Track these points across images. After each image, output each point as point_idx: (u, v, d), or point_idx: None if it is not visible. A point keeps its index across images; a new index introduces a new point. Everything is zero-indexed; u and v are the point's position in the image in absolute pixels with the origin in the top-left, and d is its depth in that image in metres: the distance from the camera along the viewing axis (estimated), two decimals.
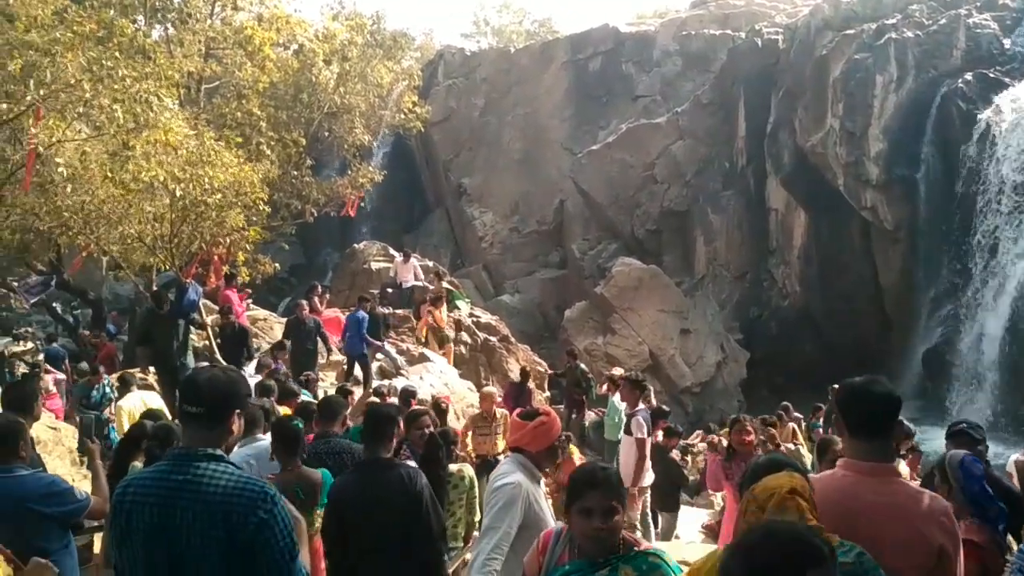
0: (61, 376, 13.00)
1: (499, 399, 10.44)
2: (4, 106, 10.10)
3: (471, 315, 18.02)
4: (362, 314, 12.74)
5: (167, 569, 2.58)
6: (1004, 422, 18.17)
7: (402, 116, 23.94)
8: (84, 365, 15.27)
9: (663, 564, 2.69)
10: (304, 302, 13.16)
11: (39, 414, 4.81)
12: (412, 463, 4.59)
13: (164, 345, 10.12)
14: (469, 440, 9.43)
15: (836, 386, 3.33)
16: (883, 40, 21.97)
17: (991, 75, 20.88)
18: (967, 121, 20.37)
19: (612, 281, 23.20)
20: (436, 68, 32.89)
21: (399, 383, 11.21)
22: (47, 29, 10.37)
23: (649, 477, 8.63)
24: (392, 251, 21.02)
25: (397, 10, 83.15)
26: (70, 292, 18.23)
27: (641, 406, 8.67)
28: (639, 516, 8.67)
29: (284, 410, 6.86)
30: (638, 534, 6.70)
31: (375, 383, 11.91)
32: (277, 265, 18.13)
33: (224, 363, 10.24)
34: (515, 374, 14.92)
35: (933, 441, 13.74)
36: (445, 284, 17.59)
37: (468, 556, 4.62)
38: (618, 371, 13.24)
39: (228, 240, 13.42)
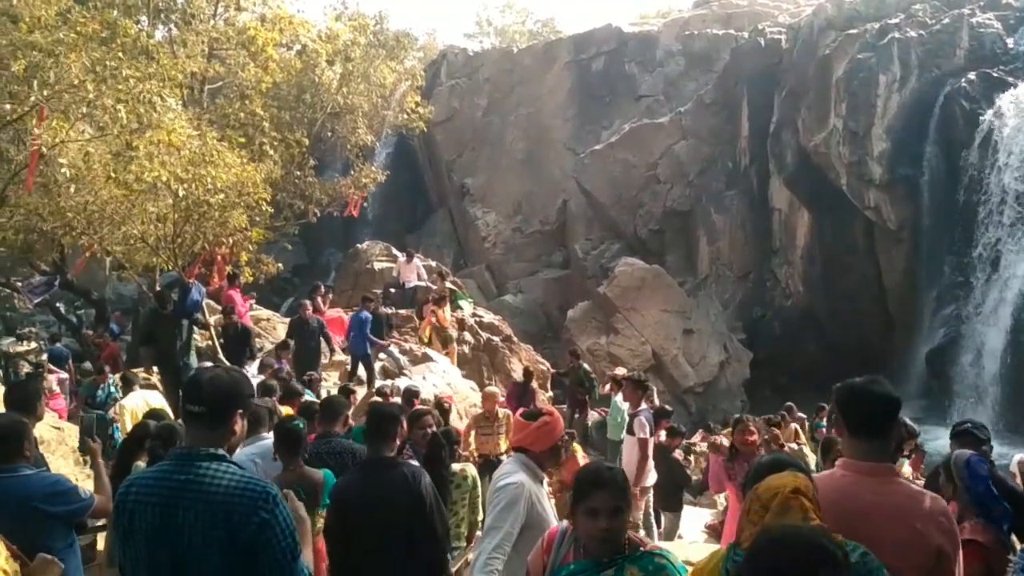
0: (64, 376, 13.02)
1: (501, 399, 10.44)
2: (8, 107, 10.14)
3: (474, 315, 18.02)
4: (365, 314, 12.74)
5: (169, 569, 2.58)
6: (1006, 422, 18.12)
7: (405, 116, 23.94)
8: (88, 365, 15.29)
9: (669, 565, 2.67)
10: (307, 302, 13.17)
11: (42, 414, 4.81)
12: (415, 463, 4.58)
13: (167, 345, 10.13)
14: (472, 440, 9.44)
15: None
16: (886, 40, 21.93)
17: (994, 75, 20.83)
18: (970, 121, 20.32)
19: (615, 281, 23.19)
20: (439, 68, 32.90)
21: (402, 383, 11.22)
22: (51, 30, 10.39)
23: (652, 477, 8.63)
24: (395, 251, 21.03)
25: (400, 10, 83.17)
26: (74, 292, 18.26)
27: (644, 406, 8.67)
28: (642, 516, 8.66)
29: (286, 410, 6.86)
30: (641, 533, 6.69)
31: (378, 383, 11.91)
32: (280, 265, 18.12)
33: (227, 363, 10.27)
34: (518, 374, 14.92)
35: (936, 441, 13.72)
36: (448, 284, 17.59)
37: (471, 556, 4.62)
38: (621, 371, 13.23)
39: (231, 240, 13.43)
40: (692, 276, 26.24)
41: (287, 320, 15.48)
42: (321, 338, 12.38)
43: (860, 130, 21.78)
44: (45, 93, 9.70)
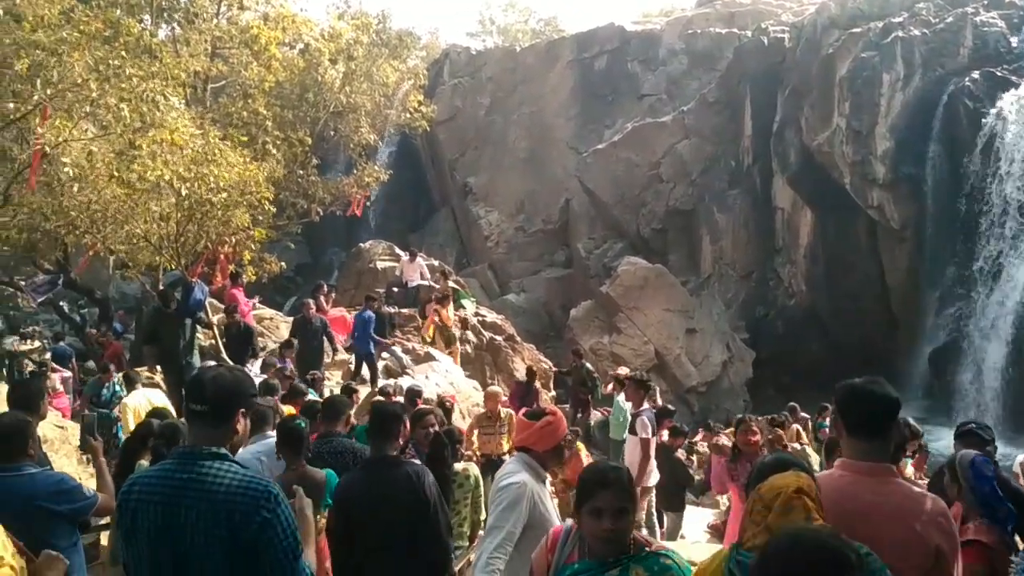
0: (68, 374, 13.04)
1: (504, 398, 10.44)
2: (11, 105, 10.16)
3: (477, 314, 18.01)
4: (369, 314, 12.75)
5: (172, 567, 2.59)
6: (1010, 422, 18.09)
7: (408, 115, 23.96)
8: (91, 364, 15.32)
9: (675, 565, 2.65)
10: (311, 301, 13.17)
11: (45, 413, 4.81)
12: (417, 462, 4.58)
13: (170, 344, 10.13)
14: (475, 439, 9.44)
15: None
16: (890, 38, 21.89)
17: (998, 73, 20.77)
18: (974, 120, 20.26)
19: (618, 280, 23.17)
20: (442, 67, 32.92)
21: (405, 382, 11.21)
22: (54, 29, 10.40)
23: (654, 477, 8.62)
24: (398, 250, 21.04)
25: (403, 9, 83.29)
26: (77, 291, 18.28)
27: (646, 406, 8.65)
28: (644, 516, 8.65)
29: (288, 409, 6.86)
30: (644, 532, 6.69)
31: (381, 382, 11.92)
32: (283, 264, 18.16)
33: (230, 362, 10.28)
34: (520, 373, 14.92)
35: (939, 441, 13.70)
36: (451, 283, 17.58)
37: (473, 556, 4.62)
38: (624, 370, 13.22)
39: (234, 239, 13.44)
40: (695, 275, 26.23)
41: (290, 319, 15.49)
42: (324, 337, 12.39)
43: (863, 129, 21.74)
44: (48, 92, 9.71)
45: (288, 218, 18.71)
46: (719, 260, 26.06)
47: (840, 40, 23.10)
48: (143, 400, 8.09)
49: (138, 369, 11.07)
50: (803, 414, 12.91)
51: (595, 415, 14.71)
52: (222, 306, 13.22)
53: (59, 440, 8.54)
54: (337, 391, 9.63)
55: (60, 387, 11.88)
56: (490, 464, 8.71)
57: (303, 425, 4.86)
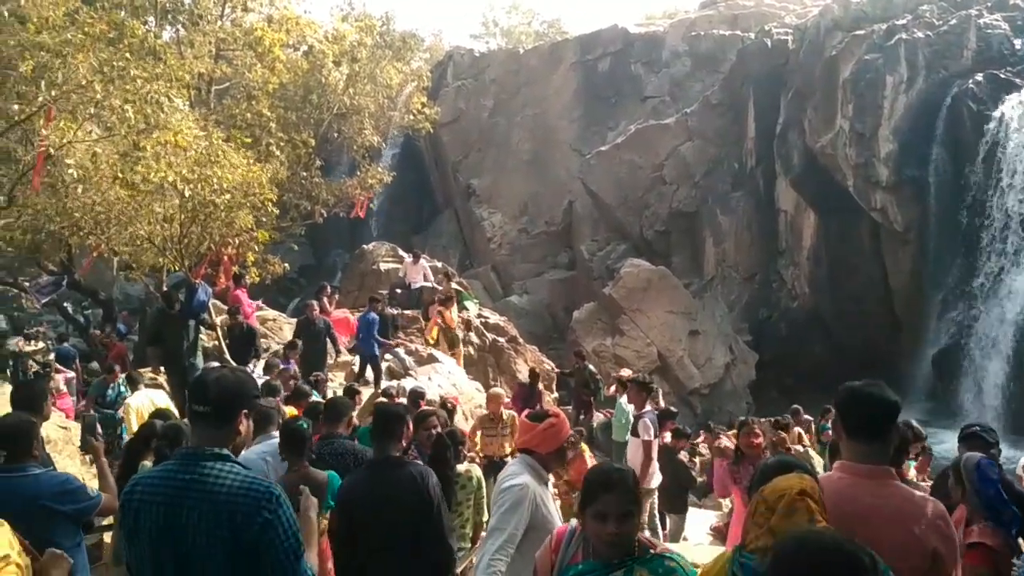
0: (71, 375, 13.08)
1: (506, 400, 10.44)
2: (16, 107, 10.17)
3: (480, 316, 18.01)
4: (373, 315, 12.76)
5: (174, 567, 2.59)
6: (1013, 425, 18.05)
7: (411, 117, 23.98)
8: (95, 365, 15.36)
9: (680, 569, 2.64)
10: (314, 303, 13.19)
11: (48, 414, 4.82)
12: (420, 463, 4.58)
13: (174, 345, 10.15)
14: (478, 440, 9.44)
15: None
16: (893, 40, 21.87)
17: (1002, 76, 20.75)
18: (977, 122, 20.23)
19: (621, 282, 23.15)
20: (445, 69, 32.93)
21: (408, 384, 11.21)
22: (58, 30, 10.42)
23: (657, 479, 8.61)
24: (401, 252, 21.04)
25: (406, 11, 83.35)
26: (81, 292, 18.31)
27: (648, 407, 8.64)
28: (646, 518, 8.64)
29: (290, 410, 6.87)
30: (646, 534, 6.68)
31: (383, 384, 11.92)
32: (287, 265, 18.17)
33: (234, 363, 10.29)
34: (523, 375, 14.92)
35: (942, 444, 13.67)
36: (454, 285, 17.58)
37: (475, 558, 4.62)
38: (626, 372, 13.22)
39: (237, 241, 13.46)
40: (698, 277, 26.20)
41: (293, 320, 15.50)
42: (327, 339, 12.40)
43: (867, 131, 21.72)
44: (53, 93, 9.73)
45: (292, 220, 18.74)
46: (722, 262, 26.03)
47: (843, 42, 23.08)
48: (146, 401, 8.12)
49: (142, 370, 11.11)
50: (806, 416, 12.88)
51: (598, 417, 14.71)
52: (225, 307, 13.24)
53: (62, 441, 8.57)
54: (340, 392, 9.64)
55: (64, 388, 11.92)
56: (492, 465, 8.71)
57: (305, 426, 4.87)
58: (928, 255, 21.65)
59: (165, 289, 12.06)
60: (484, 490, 5.94)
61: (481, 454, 9.30)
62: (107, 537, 5.84)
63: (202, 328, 11.16)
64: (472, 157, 31.15)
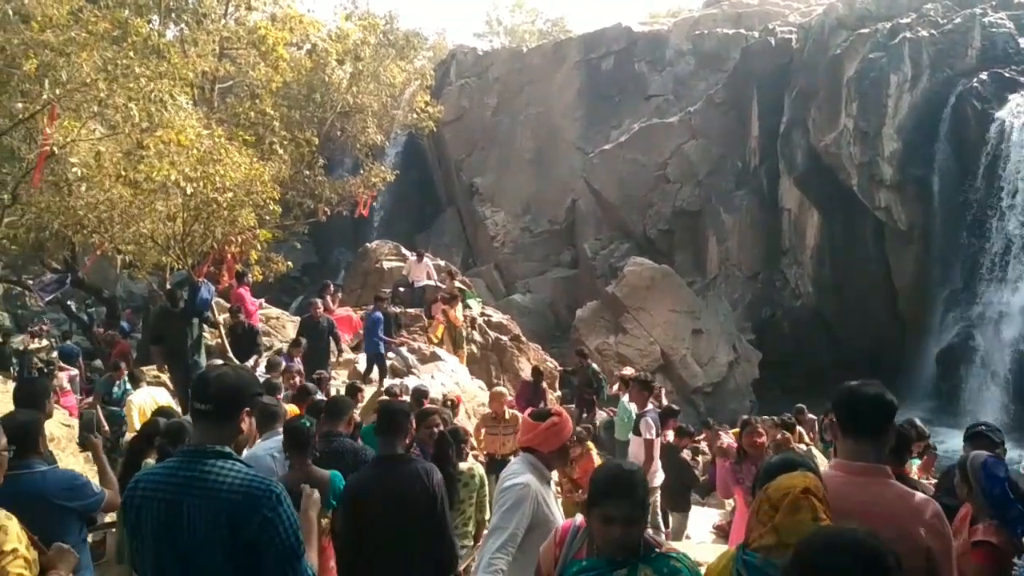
0: (75, 373, 13.10)
1: (509, 399, 10.42)
2: (20, 105, 10.18)
3: (483, 314, 18.00)
4: (378, 314, 12.77)
5: (175, 564, 2.60)
6: (1018, 424, 18.02)
7: (414, 116, 23.97)
8: (98, 363, 15.38)
9: (684, 569, 2.62)
10: (318, 301, 13.19)
11: (51, 412, 4.82)
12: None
13: (177, 343, 10.15)
14: (482, 437, 9.44)
15: None
16: (897, 39, 21.83)
17: (1006, 74, 20.72)
18: (982, 121, 20.20)
19: (624, 281, 23.14)
20: (448, 68, 32.95)
21: (411, 382, 11.21)
22: (62, 29, 10.43)
23: (659, 477, 8.59)
24: (404, 250, 21.05)
25: (410, 10, 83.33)
26: (85, 290, 18.35)
27: (650, 406, 8.63)
28: (649, 516, 8.63)
29: (291, 408, 6.86)
30: (649, 532, 6.67)
31: (387, 382, 11.92)
32: (290, 264, 18.18)
33: (237, 362, 10.30)
34: (526, 373, 14.89)
35: (946, 443, 13.65)
36: (457, 283, 17.57)
37: (477, 555, 4.61)
38: (629, 371, 13.18)
39: (240, 239, 13.46)
40: (701, 276, 26.18)
41: (296, 319, 15.51)
42: (330, 337, 12.41)
43: (871, 130, 21.69)
44: (57, 92, 9.73)
45: (295, 218, 18.73)
46: (725, 261, 26.00)
47: (848, 41, 23.05)
48: (148, 398, 8.13)
49: (145, 368, 11.12)
50: (810, 415, 12.84)
51: (601, 415, 14.67)
52: (228, 306, 13.25)
53: (66, 438, 8.59)
54: (342, 391, 9.63)
55: (67, 386, 11.95)
56: (495, 463, 8.71)
57: (309, 425, 4.86)
58: (932, 254, 21.64)
59: (169, 287, 12.07)
60: (487, 488, 5.93)
61: (484, 452, 9.31)
62: (109, 534, 5.85)
63: (205, 326, 11.16)
64: (475, 156, 31.16)
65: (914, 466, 8.44)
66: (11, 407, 4.37)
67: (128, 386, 10.30)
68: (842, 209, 23.05)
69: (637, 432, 8.45)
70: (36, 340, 14.99)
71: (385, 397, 8.99)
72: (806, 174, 24.08)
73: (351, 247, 29.39)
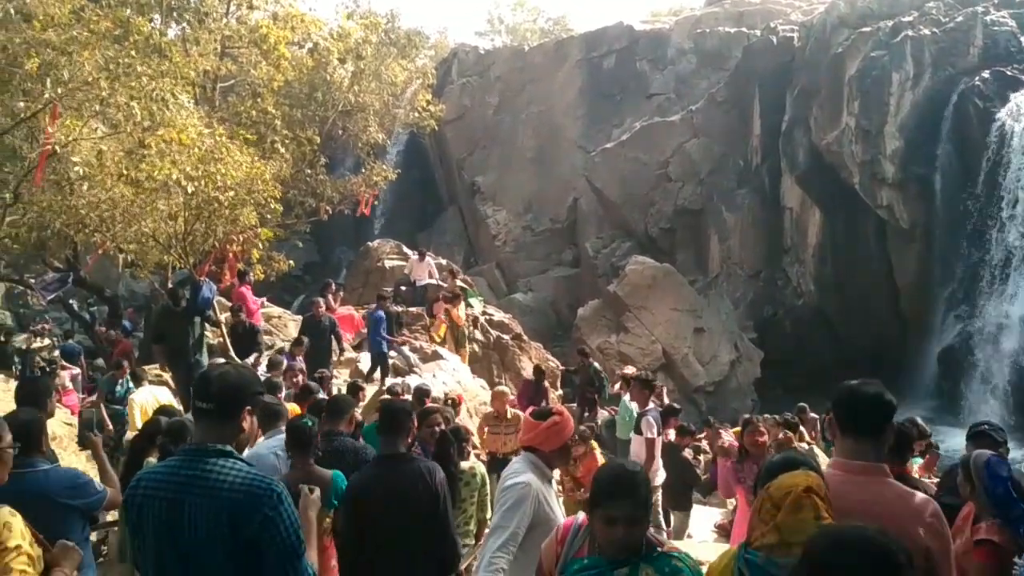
0: (76, 371, 13.12)
1: (511, 398, 10.42)
2: (22, 104, 10.19)
3: (484, 313, 18.00)
4: (380, 313, 12.77)
5: (176, 563, 2.60)
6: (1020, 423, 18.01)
7: (416, 114, 23.95)
8: (100, 361, 15.40)
9: (686, 569, 2.61)
10: (320, 300, 13.19)
11: (53, 411, 4.84)
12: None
13: (179, 342, 10.15)
14: (484, 437, 9.44)
15: None
16: (899, 38, 21.81)
17: (1008, 73, 20.70)
18: (984, 119, 20.19)
19: (625, 279, 23.14)
20: (450, 66, 32.93)
21: (412, 381, 11.21)
22: (64, 28, 10.43)
23: (661, 476, 8.59)
24: (406, 249, 21.04)
25: (411, 9, 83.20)
26: (87, 289, 18.38)
27: (651, 405, 8.62)
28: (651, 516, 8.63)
29: (293, 407, 6.86)
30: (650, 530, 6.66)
31: (389, 381, 11.92)
32: (291, 262, 18.16)
33: (238, 360, 10.30)
34: (528, 372, 14.89)
35: (948, 442, 13.63)
36: (458, 282, 17.57)
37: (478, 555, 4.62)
38: (631, 370, 13.16)
39: (242, 238, 13.47)
40: (703, 275, 26.17)
41: (298, 318, 15.51)
42: (332, 336, 12.41)
43: (873, 129, 21.67)
44: (58, 91, 9.73)
45: (296, 217, 18.73)
46: (727, 259, 26.00)
47: (849, 39, 23.03)
48: (149, 397, 8.15)
49: (147, 367, 11.13)
50: (812, 414, 12.84)
51: (602, 414, 14.66)
52: (230, 305, 13.26)
53: (67, 437, 8.61)
54: (344, 390, 9.64)
55: (69, 384, 11.97)
56: (496, 462, 8.71)
57: (311, 424, 4.86)
58: (934, 252, 21.62)
59: (170, 286, 12.07)
60: (488, 487, 5.93)
61: (486, 450, 9.31)
62: (111, 533, 5.85)
63: (207, 325, 11.17)
64: (477, 154, 31.16)
65: (916, 465, 8.43)
66: (13, 406, 4.38)
67: (130, 385, 10.31)
68: (844, 207, 23.03)
69: (638, 431, 8.44)
70: (38, 339, 15.00)
71: (387, 396, 8.99)
72: (808, 172, 24.06)
73: (353, 246, 29.38)
